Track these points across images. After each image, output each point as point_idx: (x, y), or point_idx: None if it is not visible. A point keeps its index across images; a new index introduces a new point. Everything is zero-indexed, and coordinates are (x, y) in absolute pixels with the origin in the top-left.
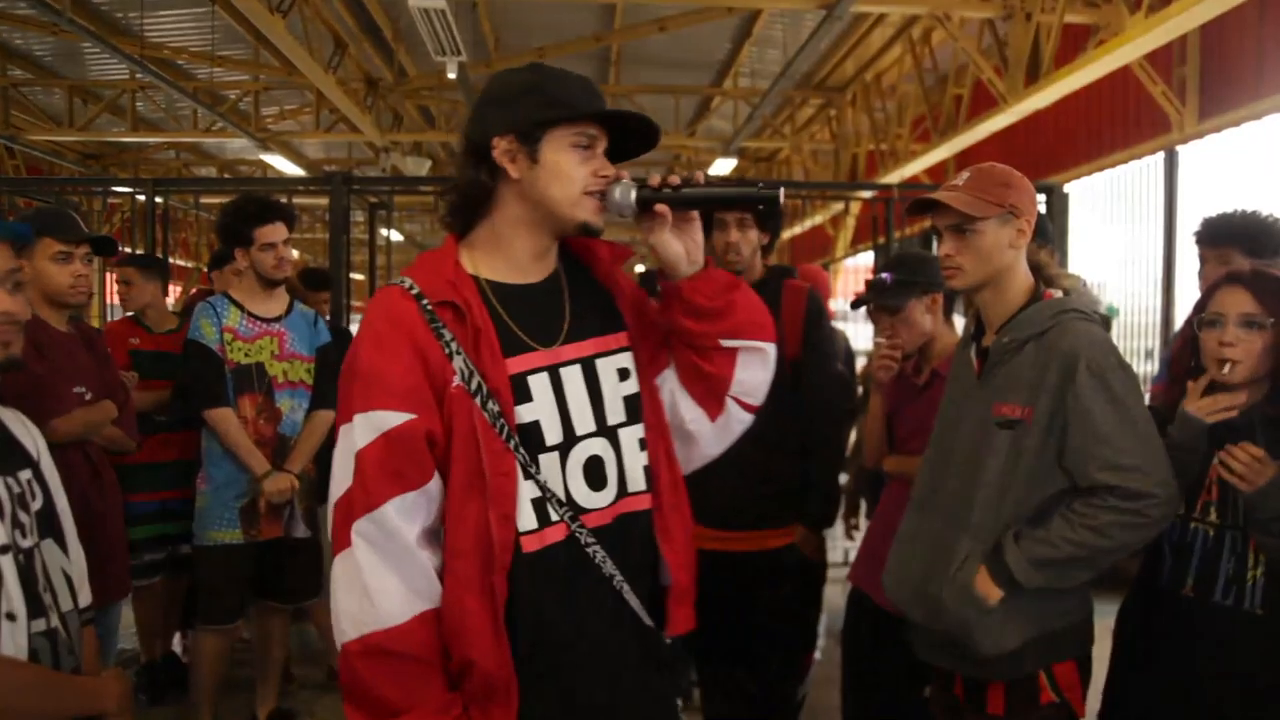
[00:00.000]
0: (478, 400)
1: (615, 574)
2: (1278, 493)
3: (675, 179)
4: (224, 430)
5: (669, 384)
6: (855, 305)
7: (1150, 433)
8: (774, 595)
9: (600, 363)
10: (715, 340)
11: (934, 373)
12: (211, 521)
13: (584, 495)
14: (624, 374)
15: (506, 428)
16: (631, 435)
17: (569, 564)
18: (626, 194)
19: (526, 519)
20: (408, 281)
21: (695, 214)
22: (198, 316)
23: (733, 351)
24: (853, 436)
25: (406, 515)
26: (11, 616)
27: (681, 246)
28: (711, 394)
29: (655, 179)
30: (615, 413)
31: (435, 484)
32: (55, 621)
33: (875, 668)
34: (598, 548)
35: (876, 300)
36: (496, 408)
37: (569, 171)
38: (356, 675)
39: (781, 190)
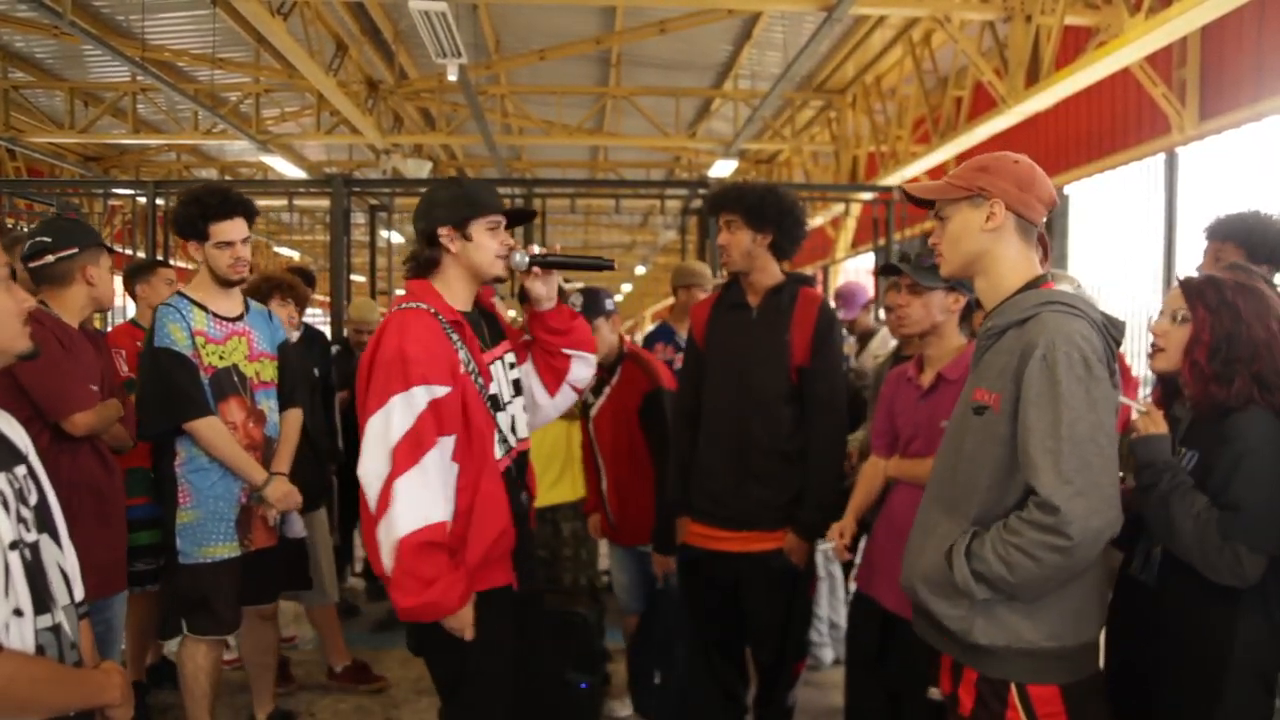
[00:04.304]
0: (474, 379)
1: (522, 485)
2: (1152, 445)
3: (543, 250)
4: (214, 441)
5: (527, 372)
6: (884, 271)
7: (1085, 438)
8: (759, 599)
9: (504, 358)
10: (559, 348)
11: (939, 376)
12: (205, 536)
13: (512, 438)
14: (511, 365)
15: (486, 395)
16: (518, 403)
17: (511, 478)
18: (522, 260)
19: (497, 451)
20: (425, 305)
21: (553, 271)
22: (162, 321)
23: (569, 356)
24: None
25: (447, 451)
26: (19, 612)
27: (544, 290)
28: (556, 380)
29: (533, 249)
30: (511, 389)
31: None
32: (59, 617)
33: (879, 671)
34: (513, 468)
35: (911, 271)
36: (482, 383)
37: (487, 245)
38: (405, 562)
39: (614, 261)
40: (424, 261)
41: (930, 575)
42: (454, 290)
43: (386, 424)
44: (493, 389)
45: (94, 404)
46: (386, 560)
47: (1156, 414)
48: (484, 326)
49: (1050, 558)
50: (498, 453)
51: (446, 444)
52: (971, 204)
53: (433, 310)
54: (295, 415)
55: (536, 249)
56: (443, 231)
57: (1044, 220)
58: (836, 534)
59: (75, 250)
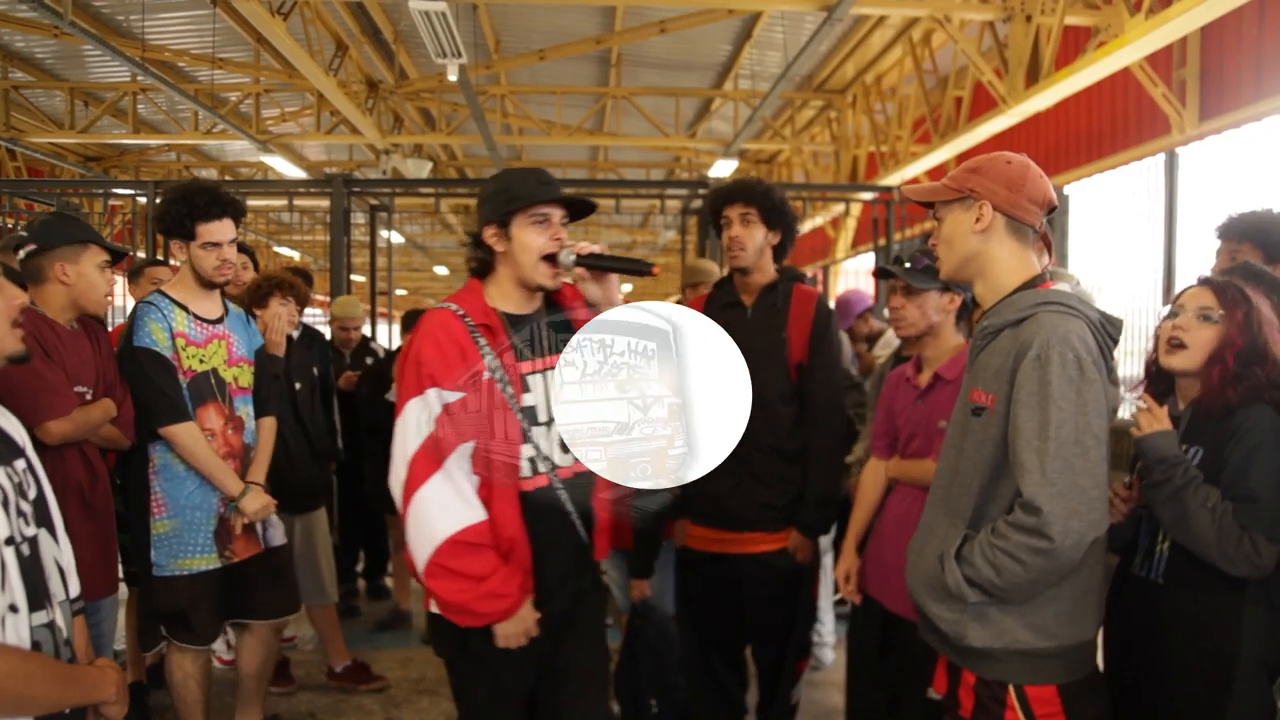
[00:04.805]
0: (502, 388)
1: (570, 509)
2: (1160, 442)
3: (593, 249)
4: (190, 448)
5: None
6: (879, 275)
7: (1070, 440)
8: (762, 600)
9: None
10: None
11: (936, 376)
12: (182, 548)
13: (558, 457)
14: None
15: (518, 407)
16: None
17: (547, 500)
18: (568, 257)
19: (525, 469)
20: (454, 306)
21: (610, 274)
22: (143, 320)
23: None
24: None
25: (465, 456)
26: (14, 608)
27: (601, 292)
28: None
29: (582, 246)
30: None
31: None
32: (55, 613)
33: (880, 670)
34: (563, 491)
35: (903, 274)
36: (512, 393)
37: (529, 243)
38: (449, 564)
39: (654, 266)
40: (480, 263)
41: (927, 578)
42: (505, 291)
43: (404, 429)
44: (528, 400)
45: (70, 410)
46: (421, 563)
47: (1160, 411)
48: (542, 331)
49: (1034, 560)
50: (525, 470)
51: (467, 449)
52: (963, 205)
53: (460, 311)
54: (270, 424)
55: (587, 246)
56: (488, 231)
57: (1041, 220)
58: (843, 579)
59: (34, 247)
